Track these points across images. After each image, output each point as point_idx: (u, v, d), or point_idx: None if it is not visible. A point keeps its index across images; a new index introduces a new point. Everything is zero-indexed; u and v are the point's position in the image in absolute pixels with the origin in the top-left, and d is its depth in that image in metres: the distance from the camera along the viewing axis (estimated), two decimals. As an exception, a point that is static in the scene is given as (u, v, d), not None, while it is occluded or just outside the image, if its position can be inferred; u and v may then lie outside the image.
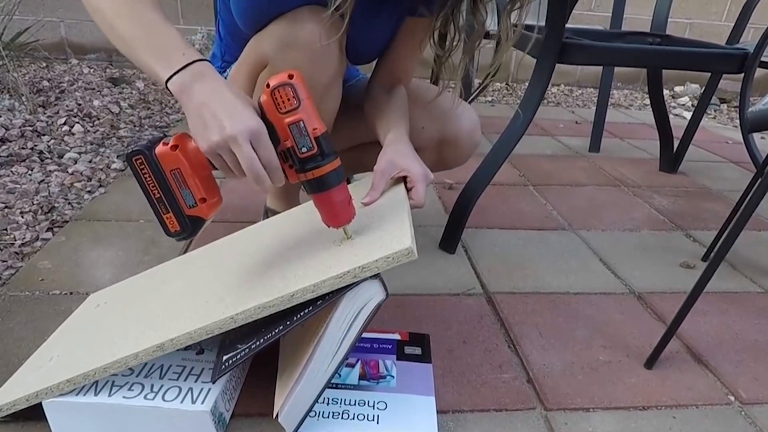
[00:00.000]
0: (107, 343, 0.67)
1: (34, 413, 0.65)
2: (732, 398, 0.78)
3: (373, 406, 0.68)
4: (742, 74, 1.24)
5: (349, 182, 1.17)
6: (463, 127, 0.95)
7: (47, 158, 1.52)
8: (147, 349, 0.61)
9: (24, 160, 1.48)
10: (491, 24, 2.07)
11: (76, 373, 0.62)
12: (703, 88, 1.73)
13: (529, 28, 1.34)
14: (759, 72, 2.18)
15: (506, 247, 1.19)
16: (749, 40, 2.19)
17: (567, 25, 1.16)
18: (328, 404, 0.68)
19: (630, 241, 1.26)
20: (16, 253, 1.05)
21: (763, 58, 1.34)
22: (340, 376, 0.72)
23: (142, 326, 0.67)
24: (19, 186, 1.33)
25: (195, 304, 0.67)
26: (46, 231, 1.14)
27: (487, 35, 2.03)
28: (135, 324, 0.69)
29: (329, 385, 0.65)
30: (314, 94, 0.74)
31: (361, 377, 0.72)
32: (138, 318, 0.71)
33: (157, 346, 0.61)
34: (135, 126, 1.88)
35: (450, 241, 1.15)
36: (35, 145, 1.57)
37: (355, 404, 0.68)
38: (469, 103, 1.86)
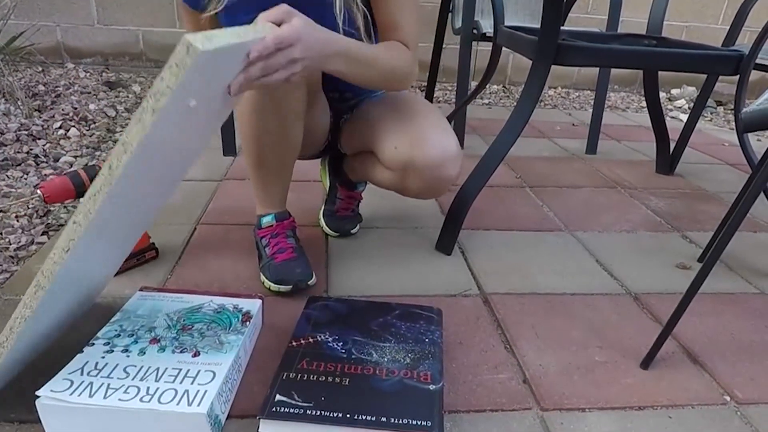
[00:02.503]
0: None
1: (29, 416, 0.64)
2: (728, 398, 0.78)
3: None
4: (738, 76, 1.24)
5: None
6: (431, 156, 0.87)
7: (43, 162, 1.51)
8: (29, 292, 0.60)
9: (19, 164, 1.48)
10: (488, 27, 2.07)
11: None
12: (699, 91, 1.74)
13: (527, 30, 1.34)
14: (755, 74, 2.19)
15: (503, 248, 1.19)
16: (745, 42, 2.20)
17: (563, 28, 1.16)
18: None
19: (626, 243, 1.26)
20: (12, 257, 1.05)
21: (758, 60, 1.34)
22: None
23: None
24: (14, 190, 1.33)
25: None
26: (41, 235, 1.13)
27: (485, 37, 2.04)
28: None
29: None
30: (270, 96, 0.82)
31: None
32: None
33: (35, 286, 0.60)
34: (132, 129, 1.87)
35: (446, 242, 1.15)
36: (31, 149, 1.57)
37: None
38: (466, 105, 1.86)
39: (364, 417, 0.63)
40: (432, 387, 0.69)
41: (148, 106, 0.52)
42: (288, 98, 0.86)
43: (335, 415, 0.63)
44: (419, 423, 0.63)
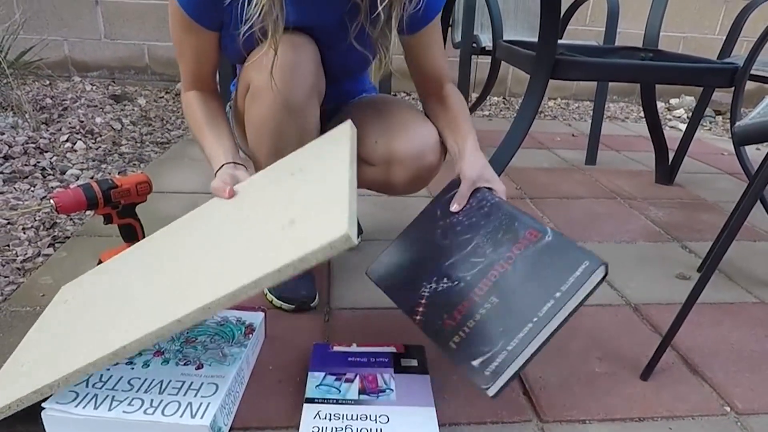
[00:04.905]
0: (71, 350, 0.68)
1: (35, 428, 0.65)
2: (728, 409, 0.79)
3: (375, 419, 0.68)
4: (733, 87, 1.26)
5: None
6: (411, 145, 0.89)
7: (49, 175, 1.53)
8: (102, 358, 0.62)
9: (27, 177, 1.50)
10: (487, 41, 2.09)
11: (43, 383, 0.63)
12: (698, 101, 1.75)
13: (525, 44, 1.36)
14: (751, 84, 2.20)
15: (503, 259, 1.20)
16: (742, 53, 2.22)
17: (560, 41, 1.18)
18: (330, 420, 0.68)
19: (626, 253, 1.27)
20: (18, 268, 1.06)
21: (754, 71, 1.36)
22: (339, 391, 0.73)
23: (102, 331, 0.68)
24: (21, 202, 1.35)
25: (148, 305, 0.67)
26: (48, 247, 1.15)
27: (485, 51, 2.05)
28: (95, 329, 0.70)
29: (330, 401, 0.70)
30: (290, 110, 0.83)
31: (361, 392, 0.73)
32: (98, 321, 0.71)
33: (112, 354, 0.62)
34: (137, 142, 1.90)
35: (447, 254, 1.16)
36: (38, 162, 1.59)
37: (356, 419, 0.68)
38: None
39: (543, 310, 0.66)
40: (548, 238, 0.71)
41: (292, 265, 0.57)
42: (307, 109, 0.85)
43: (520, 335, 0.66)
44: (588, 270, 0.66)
